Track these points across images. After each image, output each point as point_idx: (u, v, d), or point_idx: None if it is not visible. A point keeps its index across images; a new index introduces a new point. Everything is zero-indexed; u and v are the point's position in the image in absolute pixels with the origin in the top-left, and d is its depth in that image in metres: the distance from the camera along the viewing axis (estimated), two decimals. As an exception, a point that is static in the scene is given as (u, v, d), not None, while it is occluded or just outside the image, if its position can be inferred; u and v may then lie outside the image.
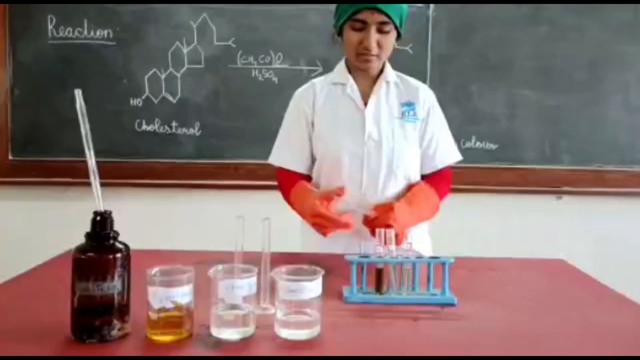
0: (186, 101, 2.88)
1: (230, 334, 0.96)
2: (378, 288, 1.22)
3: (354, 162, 1.69)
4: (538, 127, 2.90)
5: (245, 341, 0.96)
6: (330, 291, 1.17)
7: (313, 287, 0.98)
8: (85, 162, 0.98)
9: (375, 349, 0.96)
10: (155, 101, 2.87)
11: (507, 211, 2.92)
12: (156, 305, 0.94)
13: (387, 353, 0.94)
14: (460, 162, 1.81)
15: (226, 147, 2.90)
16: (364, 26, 1.61)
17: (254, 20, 2.85)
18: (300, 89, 1.83)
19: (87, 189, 0.98)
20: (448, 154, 1.82)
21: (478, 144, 2.86)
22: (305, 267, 1.03)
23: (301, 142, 1.77)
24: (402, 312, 1.14)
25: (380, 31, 1.61)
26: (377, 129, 1.71)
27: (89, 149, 0.98)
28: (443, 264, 1.21)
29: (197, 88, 2.88)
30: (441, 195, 1.77)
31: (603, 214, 2.93)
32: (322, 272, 1.01)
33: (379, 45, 1.63)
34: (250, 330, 0.98)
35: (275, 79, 2.87)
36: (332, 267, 1.30)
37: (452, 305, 1.18)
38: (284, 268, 1.01)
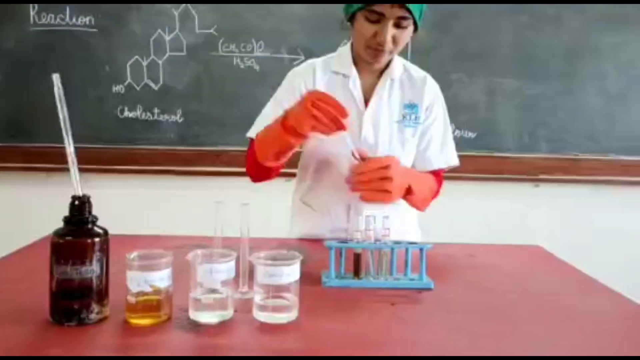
0: (168, 88, 2.87)
1: (208, 318, 0.97)
2: (356, 273, 1.23)
3: (345, 165, 1.55)
4: (516, 115, 2.93)
5: (223, 324, 0.97)
6: (309, 276, 1.19)
7: (291, 272, 0.99)
8: (67, 147, 0.99)
9: (353, 332, 0.97)
10: (138, 88, 2.86)
11: (485, 198, 2.96)
12: (135, 289, 0.95)
13: (364, 336, 0.95)
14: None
15: (208, 134, 2.89)
16: (380, 18, 1.43)
17: (235, 8, 2.84)
18: (298, 69, 1.69)
19: (69, 175, 0.98)
20: (440, 156, 1.68)
21: (457, 132, 2.87)
22: (284, 252, 1.03)
23: None
24: (380, 296, 1.15)
25: (397, 26, 1.45)
26: (373, 133, 1.60)
27: (67, 133, 0.98)
28: (421, 249, 1.22)
29: (179, 75, 2.87)
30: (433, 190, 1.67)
31: (579, 202, 2.98)
32: (301, 257, 1.02)
33: (394, 40, 1.47)
34: (228, 313, 0.99)
35: (256, 67, 2.86)
36: (311, 253, 1.32)
37: (429, 289, 1.20)
38: (262, 253, 1.02)
